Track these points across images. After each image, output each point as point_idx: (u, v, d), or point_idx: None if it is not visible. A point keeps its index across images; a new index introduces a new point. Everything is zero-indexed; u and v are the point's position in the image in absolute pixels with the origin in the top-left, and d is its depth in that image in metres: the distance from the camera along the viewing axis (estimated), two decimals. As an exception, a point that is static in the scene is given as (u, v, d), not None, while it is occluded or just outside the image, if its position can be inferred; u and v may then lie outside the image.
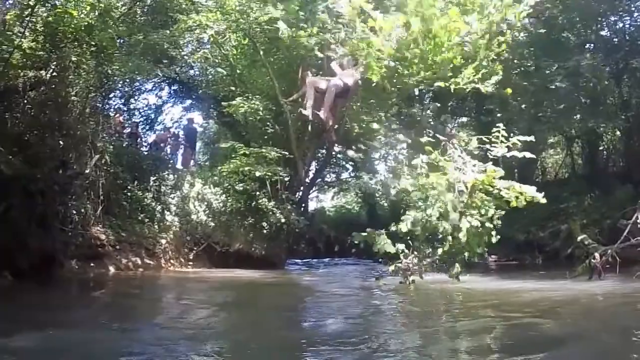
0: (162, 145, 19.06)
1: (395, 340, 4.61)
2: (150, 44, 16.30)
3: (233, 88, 18.61)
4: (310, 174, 22.06)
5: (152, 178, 15.20)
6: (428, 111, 20.48)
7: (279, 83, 16.70)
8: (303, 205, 20.39)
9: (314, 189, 24.35)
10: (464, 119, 11.69)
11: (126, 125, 17.73)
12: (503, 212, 10.73)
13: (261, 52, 16.73)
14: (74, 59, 11.17)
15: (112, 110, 16.31)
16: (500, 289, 9.78)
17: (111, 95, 17.94)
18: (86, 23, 10.94)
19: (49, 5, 10.66)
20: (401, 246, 11.03)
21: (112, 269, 12.26)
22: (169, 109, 24.79)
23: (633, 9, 17.88)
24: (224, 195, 16.76)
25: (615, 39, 18.31)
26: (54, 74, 10.73)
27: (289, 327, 5.73)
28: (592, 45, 18.47)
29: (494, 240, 10.83)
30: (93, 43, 11.52)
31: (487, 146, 11.53)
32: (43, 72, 10.46)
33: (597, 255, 11.65)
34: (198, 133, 22.54)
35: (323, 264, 21.19)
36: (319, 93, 14.39)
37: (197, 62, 21.03)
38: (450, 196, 10.96)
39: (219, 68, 20.01)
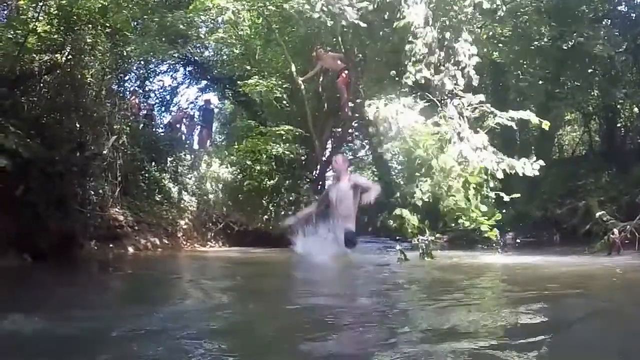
0: (177, 125, 19.15)
1: (419, 315, 4.62)
2: (165, 25, 16.32)
3: (248, 67, 18.62)
4: (327, 153, 22.02)
5: (169, 159, 15.34)
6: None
7: (294, 61, 16.68)
8: (320, 183, 20.38)
9: (329, 168, 24.31)
10: (481, 96, 11.63)
11: (142, 107, 17.80)
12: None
13: (276, 31, 16.70)
14: (89, 41, 11.23)
15: (127, 92, 16.38)
16: (521, 264, 9.76)
17: (126, 78, 18.01)
18: (100, 5, 10.99)
19: (63, -12, 10.69)
20: (414, 220, 11.15)
21: (131, 250, 12.39)
22: (184, 90, 24.87)
23: (652, -18, 17.58)
24: (240, 175, 16.83)
25: (633, 14, 18.00)
26: (69, 56, 10.77)
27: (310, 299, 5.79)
28: (609, 20, 18.17)
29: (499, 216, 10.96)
30: (108, 25, 11.57)
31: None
32: (58, 56, 10.50)
33: (615, 231, 11.63)
34: (215, 114, 22.61)
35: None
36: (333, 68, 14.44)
37: (212, 43, 21.04)
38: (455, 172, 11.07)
39: (233, 48, 20.02)
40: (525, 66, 17.64)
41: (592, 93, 17.81)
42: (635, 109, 17.77)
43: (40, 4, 10.33)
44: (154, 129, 17.90)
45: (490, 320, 4.08)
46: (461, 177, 11.19)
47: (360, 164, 29.56)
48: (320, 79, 17.50)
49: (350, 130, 22.42)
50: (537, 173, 11.24)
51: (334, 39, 16.25)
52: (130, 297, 6.32)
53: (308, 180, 18.67)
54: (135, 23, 14.89)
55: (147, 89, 21.96)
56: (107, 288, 7.25)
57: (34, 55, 10.16)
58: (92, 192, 11.55)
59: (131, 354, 3.09)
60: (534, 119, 11.50)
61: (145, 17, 15.31)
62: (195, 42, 20.79)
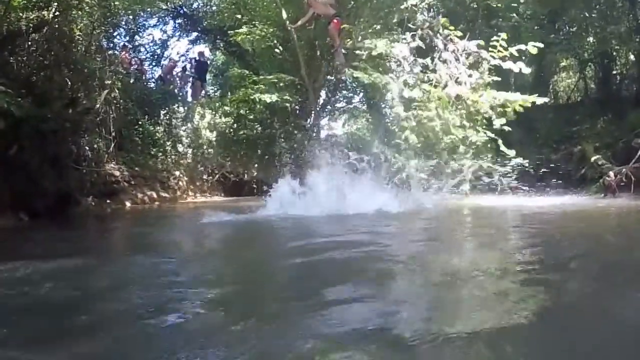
0: (168, 77, 18.88)
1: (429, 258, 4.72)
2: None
3: (239, 16, 18.27)
4: (321, 101, 21.90)
5: (162, 112, 15.24)
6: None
7: (285, 9, 16.37)
8: (315, 131, 20.32)
9: (324, 116, 24.17)
10: (477, 42, 11.52)
11: (133, 62, 17.55)
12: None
13: (266, -22, 16.39)
14: (76, -5, 11.01)
15: (117, 47, 16.15)
16: (519, 206, 9.91)
17: (115, 33, 17.77)
18: (86, -42, 10.75)
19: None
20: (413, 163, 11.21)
21: (128, 204, 12.44)
22: (174, 44, 24.42)
23: None
24: (234, 125, 16.75)
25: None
26: (57, 12, 10.54)
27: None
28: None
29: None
30: (95, -22, 11.34)
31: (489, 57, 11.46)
32: (45, 12, 10.28)
33: (611, 174, 11.72)
34: (208, 65, 22.30)
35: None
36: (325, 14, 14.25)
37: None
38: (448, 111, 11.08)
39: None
40: (520, 11, 17.38)
41: (588, 39, 17.63)
42: (631, 56, 17.57)
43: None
44: (145, 83, 17.69)
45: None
46: (458, 112, 11.26)
47: (354, 112, 29.33)
48: (313, 26, 17.23)
49: (343, 78, 22.23)
50: (537, 102, 11.27)
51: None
52: (124, 247, 6.47)
53: (303, 128, 18.60)
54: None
55: (137, 43, 21.64)
56: (102, 239, 7.35)
57: (21, 13, 9.93)
58: (87, 148, 11.48)
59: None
60: (532, 49, 11.37)
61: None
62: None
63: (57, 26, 10.48)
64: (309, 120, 20.07)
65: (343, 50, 16.68)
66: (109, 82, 12.22)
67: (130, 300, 3.28)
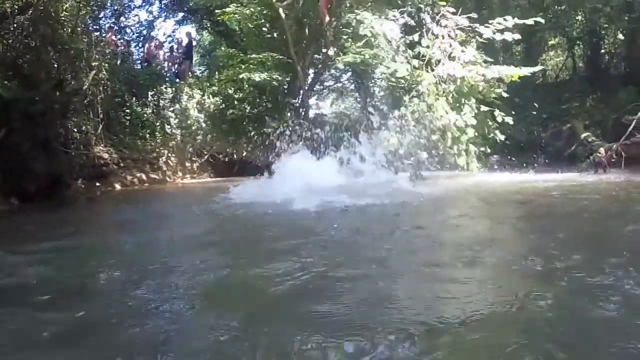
0: (153, 57, 18.61)
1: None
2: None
3: (225, -5, 18.08)
4: (309, 79, 21.78)
5: (149, 93, 15.04)
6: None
7: (272, -15, 16.21)
8: (303, 110, 20.24)
9: (312, 95, 24.04)
10: (469, 16, 11.51)
11: (119, 43, 17.31)
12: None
13: (253, -46, 16.17)
14: (60, -24, 10.80)
15: (103, 29, 15.89)
16: (512, 182, 10.01)
17: (101, 15, 17.54)
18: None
19: None
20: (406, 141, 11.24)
21: (118, 186, 12.34)
22: (160, 24, 24.07)
23: None
24: (223, 105, 16.63)
25: None
26: (42, -7, 10.36)
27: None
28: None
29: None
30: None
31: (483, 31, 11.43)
32: (30, -6, 10.10)
33: (602, 150, 11.79)
34: (194, 45, 22.03)
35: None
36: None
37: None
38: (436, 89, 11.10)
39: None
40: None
41: (577, 18, 17.62)
42: (620, 35, 17.60)
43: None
44: (132, 65, 17.48)
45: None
46: (449, 93, 11.25)
47: (343, 91, 29.22)
48: (301, 4, 17.09)
49: (331, 55, 22.11)
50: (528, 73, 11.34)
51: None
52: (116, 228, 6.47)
53: (292, 106, 18.52)
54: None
55: (122, 24, 21.33)
56: (93, 221, 7.32)
57: (5, -5, 9.75)
58: (75, 131, 11.36)
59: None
60: (520, 21, 11.35)
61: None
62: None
63: (42, 7, 10.30)
64: (297, 98, 20.00)
65: (332, 27, 16.61)
66: (96, 63, 12.06)
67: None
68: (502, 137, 11.57)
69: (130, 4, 21.78)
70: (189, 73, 18.97)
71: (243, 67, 16.64)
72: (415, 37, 12.05)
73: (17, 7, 9.78)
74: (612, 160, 11.53)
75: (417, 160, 11.02)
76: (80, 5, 11.73)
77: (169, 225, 6.35)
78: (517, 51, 18.73)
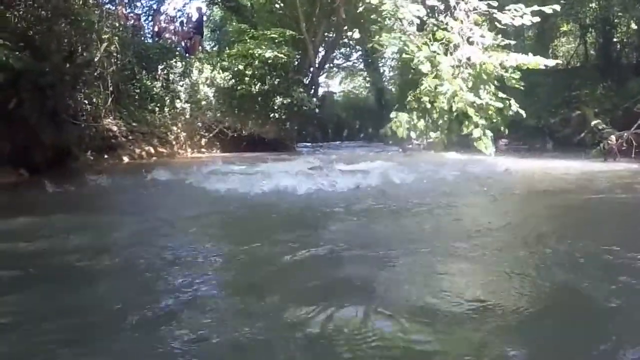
0: (164, 33, 18.52)
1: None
2: None
3: (238, -30, 18.02)
4: (320, 57, 21.74)
5: (159, 67, 15.02)
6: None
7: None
8: (313, 87, 20.25)
9: (322, 73, 24.02)
10: (475, 1, 11.41)
11: (129, 17, 17.21)
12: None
13: None
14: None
15: (114, 1, 15.77)
16: (524, 167, 10.02)
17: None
18: None
19: None
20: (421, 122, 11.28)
21: (126, 159, 12.39)
22: (171, -1, 23.95)
23: None
24: (232, 80, 16.61)
25: None
26: (54, -36, 10.31)
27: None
28: None
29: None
30: None
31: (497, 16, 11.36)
32: (43, -36, 10.07)
33: (613, 137, 11.74)
34: (204, 21, 21.94)
35: (334, 146, 21.21)
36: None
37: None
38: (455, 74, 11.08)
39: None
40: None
41: (590, 5, 17.45)
42: (633, 25, 17.42)
43: None
44: (142, 39, 17.43)
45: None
46: (469, 77, 11.24)
47: (352, 70, 29.19)
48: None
49: (343, 35, 22.05)
50: (551, 64, 11.33)
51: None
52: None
53: (302, 83, 18.52)
54: None
55: (133, -2, 21.21)
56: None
57: (16, -35, 9.73)
58: (86, 101, 11.39)
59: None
60: (537, 8, 11.30)
61: None
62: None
63: (54, -22, 10.27)
64: (307, 75, 19.98)
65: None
66: (107, 36, 12.04)
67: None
68: (504, 129, 11.57)
69: (141, -23, 21.64)
70: (199, 48, 18.93)
71: (254, 42, 16.62)
72: (440, 19, 11.99)
73: (29, -22, 9.77)
74: (623, 148, 11.47)
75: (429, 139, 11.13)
76: (92, -24, 11.72)
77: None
78: (528, 36, 18.62)
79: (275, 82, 17.03)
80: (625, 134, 11.47)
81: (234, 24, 18.16)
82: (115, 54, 12.54)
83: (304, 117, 18.42)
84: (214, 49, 22.38)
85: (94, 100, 11.81)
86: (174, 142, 14.67)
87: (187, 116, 15.32)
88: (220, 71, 16.57)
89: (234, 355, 2.06)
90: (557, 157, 12.48)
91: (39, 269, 3.24)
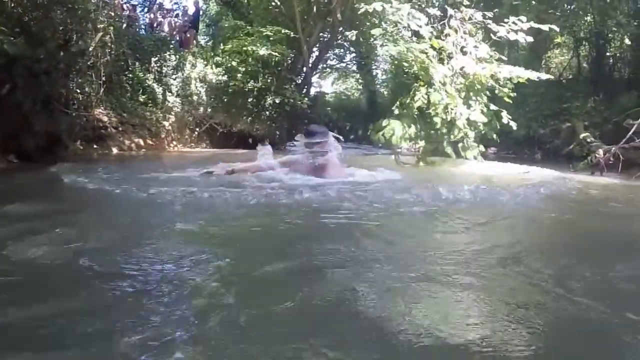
0: (157, 27, 18.46)
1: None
2: None
3: (235, -34, 18.03)
4: (313, 56, 21.79)
5: (153, 59, 14.99)
6: None
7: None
8: (305, 87, 20.30)
9: (315, 73, 24.07)
10: (471, 11, 11.48)
11: (125, 7, 17.17)
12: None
13: None
14: None
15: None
16: (511, 173, 10.07)
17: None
18: None
19: None
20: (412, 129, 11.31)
21: (115, 150, 12.35)
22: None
23: None
24: (225, 76, 16.63)
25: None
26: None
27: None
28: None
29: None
30: None
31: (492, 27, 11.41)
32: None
33: (600, 151, 11.84)
34: (200, 15, 21.91)
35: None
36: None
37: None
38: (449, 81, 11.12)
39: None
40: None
41: (585, 18, 17.68)
42: (627, 40, 17.65)
43: None
44: (137, 30, 17.40)
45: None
46: (462, 87, 11.28)
47: (345, 71, 29.24)
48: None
49: (338, 36, 22.09)
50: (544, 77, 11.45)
51: None
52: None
53: (294, 82, 18.56)
54: None
55: (129, -11, 21.15)
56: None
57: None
58: (78, 91, 11.34)
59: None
60: (545, 27, 11.37)
61: None
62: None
63: (51, -36, 10.23)
64: (300, 74, 20.03)
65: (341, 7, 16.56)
66: (102, 25, 11.99)
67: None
68: (514, 125, 11.62)
69: (137, -32, 21.64)
70: (194, 42, 18.90)
71: (249, 39, 16.64)
72: (437, 27, 12.04)
73: (26, -37, 9.72)
74: (610, 162, 11.57)
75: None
76: (89, -36, 11.66)
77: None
78: (522, 47, 18.77)
79: (268, 80, 17.07)
80: (613, 148, 11.57)
81: (230, 19, 18.14)
82: (109, 44, 12.47)
83: (295, 116, 18.45)
84: (209, 44, 22.39)
85: (86, 89, 11.75)
86: (163, 136, 14.64)
87: (178, 110, 15.30)
88: (214, 67, 16.58)
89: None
90: (545, 167, 12.57)
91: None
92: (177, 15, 20.08)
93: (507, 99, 11.38)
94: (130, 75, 14.13)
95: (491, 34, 11.33)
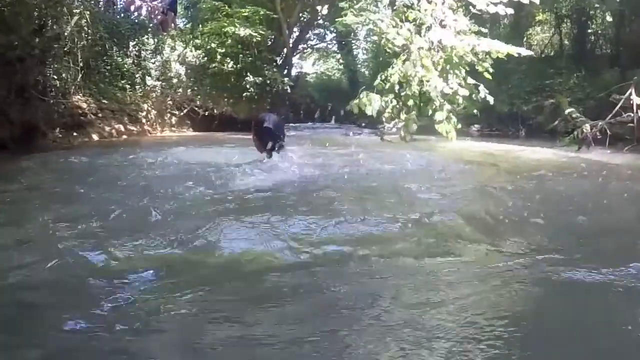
0: (132, 9, 18.07)
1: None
2: None
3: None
4: (294, 37, 21.59)
5: (131, 43, 14.72)
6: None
7: None
8: (286, 67, 20.13)
9: (296, 53, 23.86)
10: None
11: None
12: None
13: None
14: None
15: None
16: (497, 150, 10.02)
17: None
18: None
19: None
20: (393, 102, 11.24)
21: (95, 137, 12.13)
22: (145, -27, 23.43)
23: None
24: (205, 58, 16.42)
25: None
26: None
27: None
28: None
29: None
30: None
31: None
32: None
33: (587, 126, 11.77)
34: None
35: (308, 128, 20.95)
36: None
37: None
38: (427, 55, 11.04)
39: None
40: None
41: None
42: (608, 17, 17.59)
43: None
44: (114, 14, 17.06)
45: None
46: (439, 61, 11.20)
47: (326, 51, 28.99)
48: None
49: (318, 16, 21.89)
50: (524, 53, 11.38)
51: None
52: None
53: (275, 63, 18.39)
54: None
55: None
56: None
57: None
58: (55, 77, 11.10)
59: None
60: None
61: None
62: None
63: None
64: (281, 55, 19.85)
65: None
66: (78, 10, 11.72)
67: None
68: (477, 113, 11.60)
69: (113, -52, 21.17)
70: (172, 25, 18.58)
71: (228, 20, 16.40)
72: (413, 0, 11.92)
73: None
74: (598, 137, 11.54)
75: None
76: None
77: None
78: (504, 24, 18.65)
79: (248, 61, 16.87)
80: (600, 123, 11.54)
81: (208, 0, 17.83)
82: (86, 29, 12.20)
83: (276, 97, 18.26)
84: (187, 26, 22.05)
85: (63, 75, 11.51)
86: (144, 121, 14.43)
87: (158, 94, 15.09)
88: (193, 49, 16.36)
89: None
90: (526, 144, 12.51)
91: None
92: (153, -1, 19.74)
93: (486, 74, 11.31)
94: (108, 60, 13.87)
95: (471, 7, 11.21)
